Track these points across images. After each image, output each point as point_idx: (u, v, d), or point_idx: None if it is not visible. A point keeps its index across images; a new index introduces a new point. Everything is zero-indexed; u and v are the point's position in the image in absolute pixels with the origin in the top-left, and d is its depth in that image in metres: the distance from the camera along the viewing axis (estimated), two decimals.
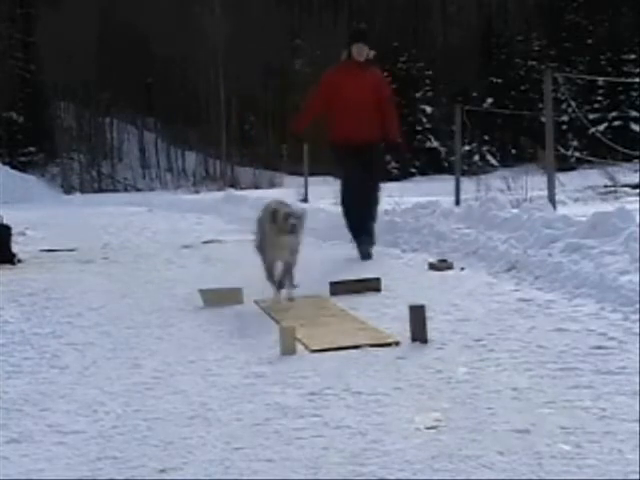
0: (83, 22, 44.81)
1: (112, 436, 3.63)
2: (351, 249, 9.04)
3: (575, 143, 43.56)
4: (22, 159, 44.76)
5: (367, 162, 8.80)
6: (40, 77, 46.81)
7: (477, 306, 5.92)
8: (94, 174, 48.78)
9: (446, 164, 43.72)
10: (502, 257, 7.51)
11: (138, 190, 45.26)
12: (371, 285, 6.86)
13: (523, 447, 3.22)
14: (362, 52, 8.87)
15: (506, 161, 45.44)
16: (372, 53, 8.96)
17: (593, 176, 27.68)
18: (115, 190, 45.87)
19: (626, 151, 14.65)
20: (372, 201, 9.04)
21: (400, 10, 51.19)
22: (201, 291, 6.68)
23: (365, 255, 8.73)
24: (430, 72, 49.22)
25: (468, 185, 15.90)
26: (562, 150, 30.61)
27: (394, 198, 13.39)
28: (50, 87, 46.84)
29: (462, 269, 7.59)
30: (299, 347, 4.95)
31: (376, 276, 7.04)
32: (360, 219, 8.93)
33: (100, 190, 45.73)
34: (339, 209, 9.41)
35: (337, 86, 8.86)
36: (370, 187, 8.94)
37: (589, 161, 29.73)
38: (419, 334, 4.94)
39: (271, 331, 5.32)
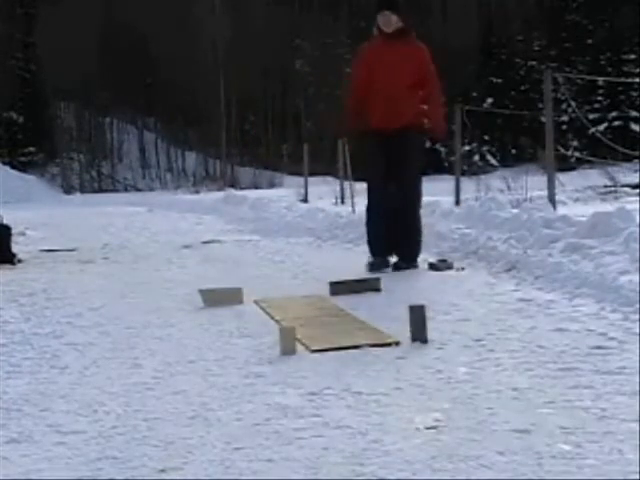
0: (83, 22, 44.83)
1: (112, 436, 3.63)
2: (349, 250, 9.02)
3: (575, 143, 43.54)
4: (22, 159, 44.79)
5: (399, 156, 7.68)
6: (40, 77, 46.82)
7: (477, 306, 5.91)
8: (94, 174, 48.82)
9: (446, 164, 43.72)
10: (502, 257, 7.51)
11: (138, 190, 45.29)
12: (371, 285, 6.86)
13: (523, 447, 3.21)
14: (389, 22, 7.68)
15: (506, 161, 45.42)
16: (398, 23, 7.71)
17: (593, 176, 27.67)
18: (115, 190, 45.91)
19: (626, 151, 14.67)
20: (405, 205, 7.84)
21: (400, 10, 51.17)
22: (201, 291, 6.68)
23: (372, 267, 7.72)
24: None
25: (468, 185, 15.90)
26: (562, 150, 30.60)
27: None
28: (50, 87, 46.85)
29: (462, 269, 7.59)
30: (299, 347, 4.95)
31: (376, 276, 7.04)
32: (385, 229, 7.80)
33: (100, 190, 45.77)
34: (340, 210, 9.38)
35: (368, 67, 7.79)
36: (400, 187, 7.78)
37: (589, 161, 29.73)
38: (419, 334, 4.94)
39: (271, 331, 5.32)
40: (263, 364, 4.66)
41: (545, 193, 10.69)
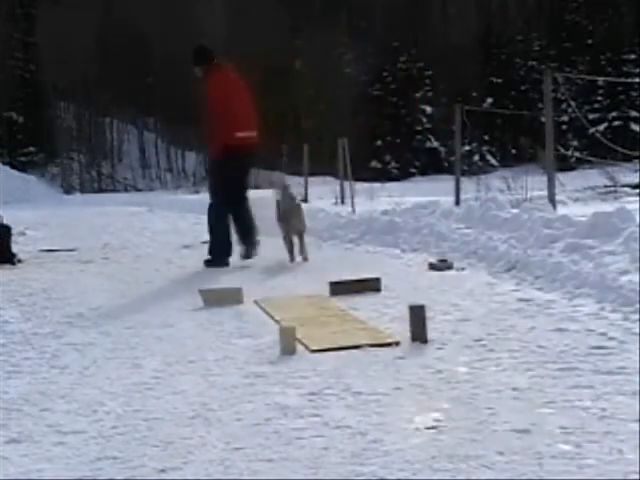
0: (83, 22, 44.84)
1: (112, 436, 3.63)
2: (349, 250, 9.01)
3: (575, 143, 43.57)
4: (22, 159, 44.77)
5: None
6: (40, 77, 46.82)
7: (477, 306, 5.92)
8: (94, 174, 48.82)
9: (446, 164, 43.74)
10: (502, 257, 7.51)
11: (138, 190, 45.27)
12: (371, 285, 6.86)
13: (523, 447, 3.22)
14: (196, 72, 9.57)
15: (506, 161, 45.43)
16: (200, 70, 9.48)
17: (593, 176, 27.65)
18: (115, 190, 45.89)
19: (626, 151, 14.67)
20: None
21: (400, 10, 51.19)
22: (201, 291, 6.68)
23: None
24: (430, 72, 49.22)
25: (468, 185, 15.89)
26: (562, 150, 30.61)
27: (394, 198, 13.38)
28: (50, 87, 46.84)
29: (462, 269, 7.59)
30: (299, 347, 4.95)
31: (376, 276, 7.04)
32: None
33: (100, 190, 45.74)
34: (340, 210, 9.51)
35: None
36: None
37: (589, 161, 29.77)
38: (419, 334, 4.94)
39: (271, 331, 5.32)
40: (263, 364, 4.66)
41: (545, 193, 10.70)
